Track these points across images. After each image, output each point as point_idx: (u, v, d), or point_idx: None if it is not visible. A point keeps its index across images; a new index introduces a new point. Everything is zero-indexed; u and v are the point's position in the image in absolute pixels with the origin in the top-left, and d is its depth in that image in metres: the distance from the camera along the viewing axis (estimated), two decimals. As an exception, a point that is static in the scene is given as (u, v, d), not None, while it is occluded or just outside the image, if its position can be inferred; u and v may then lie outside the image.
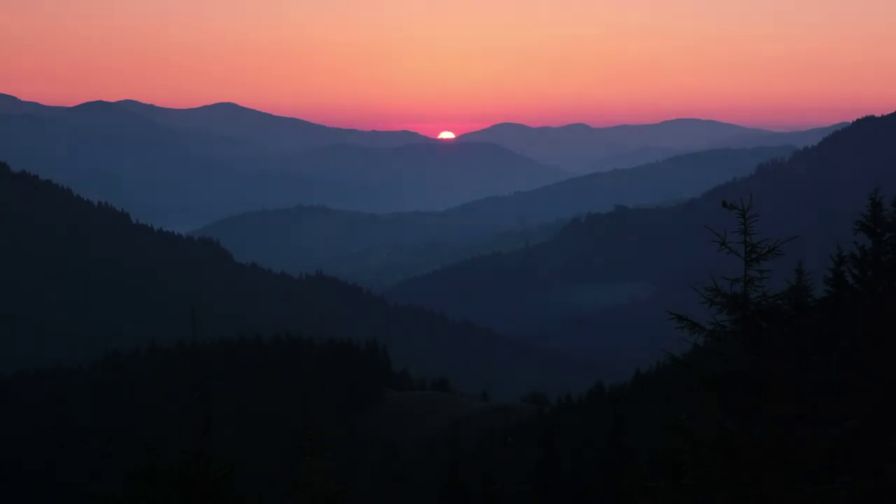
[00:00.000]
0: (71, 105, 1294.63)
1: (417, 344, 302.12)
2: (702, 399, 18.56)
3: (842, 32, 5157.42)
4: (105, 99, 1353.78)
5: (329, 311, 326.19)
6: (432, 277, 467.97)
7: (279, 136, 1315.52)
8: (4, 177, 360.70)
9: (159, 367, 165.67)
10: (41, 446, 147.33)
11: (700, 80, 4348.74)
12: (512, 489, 66.98)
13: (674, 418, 18.04)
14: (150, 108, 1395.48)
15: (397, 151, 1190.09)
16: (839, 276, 36.96)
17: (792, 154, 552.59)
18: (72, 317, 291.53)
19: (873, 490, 17.81)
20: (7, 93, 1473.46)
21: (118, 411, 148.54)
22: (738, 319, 18.63)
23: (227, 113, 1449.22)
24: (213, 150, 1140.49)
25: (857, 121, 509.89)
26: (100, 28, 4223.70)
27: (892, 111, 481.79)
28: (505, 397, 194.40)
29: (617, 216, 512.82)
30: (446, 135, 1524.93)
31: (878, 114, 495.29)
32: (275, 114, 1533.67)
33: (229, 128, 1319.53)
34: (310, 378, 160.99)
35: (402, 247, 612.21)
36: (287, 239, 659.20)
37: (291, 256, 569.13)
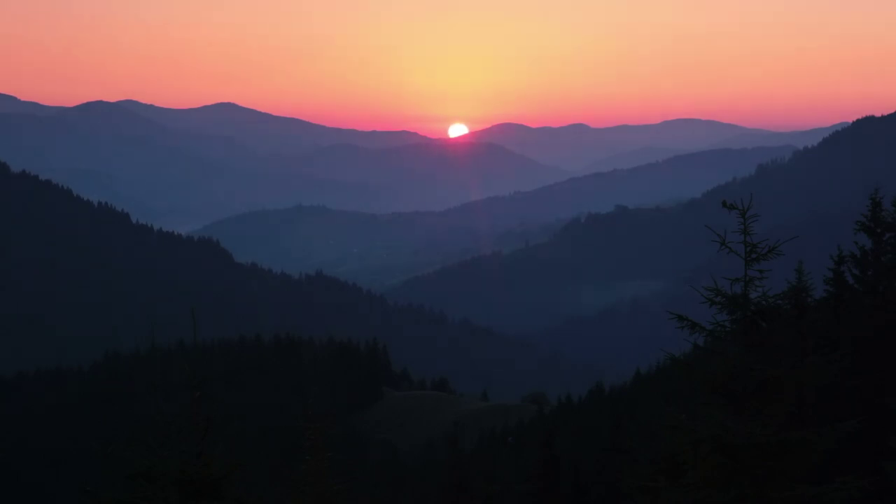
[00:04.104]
0: (71, 105, 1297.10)
1: (417, 344, 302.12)
2: (702, 399, 18.55)
3: (842, 32, 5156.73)
4: (105, 99, 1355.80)
5: (329, 311, 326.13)
6: (432, 277, 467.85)
7: (279, 136, 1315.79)
8: (4, 177, 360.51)
9: (159, 367, 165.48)
10: (41, 446, 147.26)
11: (700, 81, 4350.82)
12: (512, 489, 66.96)
13: (674, 418, 18.03)
14: (150, 108, 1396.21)
15: (397, 151, 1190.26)
16: (839, 276, 36.95)
17: (792, 154, 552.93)
18: (71, 317, 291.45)
19: (873, 490, 17.79)
20: (7, 93, 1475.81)
21: (118, 411, 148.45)
22: (738, 319, 18.61)
23: (227, 113, 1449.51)
24: (213, 150, 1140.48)
25: (857, 121, 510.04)
26: (100, 28, 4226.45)
27: (892, 111, 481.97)
28: (505, 397, 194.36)
29: (617, 216, 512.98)
30: (453, 132, 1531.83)
31: (878, 114, 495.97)
32: (275, 114, 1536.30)
33: (229, 128, 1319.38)
34: (310, 378, 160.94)
35: (402, 247, 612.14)
36: (287, 239, 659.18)
37: (291, 256, 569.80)
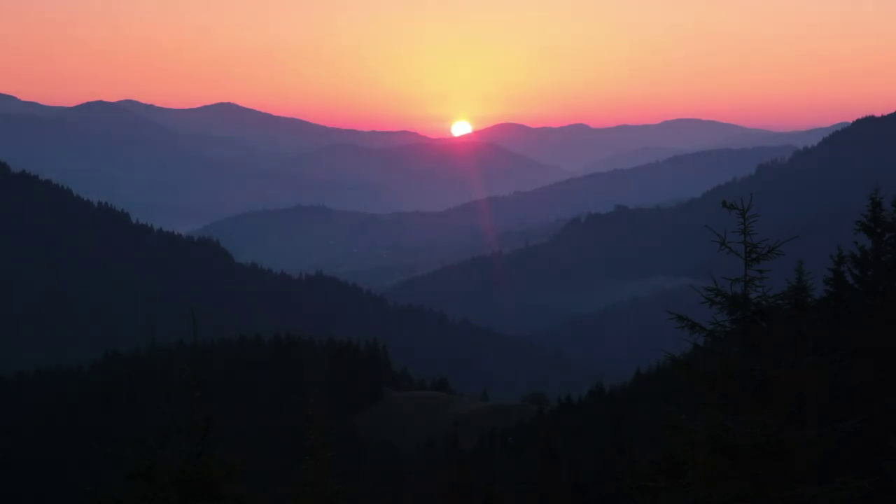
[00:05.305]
0: (71, 105, 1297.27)
1: (417, 344, 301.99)
2: (702, 399, 18.55)
3: (842, 32, 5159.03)
4: (105, 99, 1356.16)
5: (329, 311, 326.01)
6: (432, 277, 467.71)
7: (279, 136, 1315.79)
8: (4, 177, 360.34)
9: (159, 367, 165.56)
10: (41, 446, 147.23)
11: (700, 81, 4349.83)
12: (512, 489, 66.97)
13: (674, 418, 18.03)
14: (150, 108, 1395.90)
15: (397, 151, 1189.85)
16: (839, 276, 36.96)
17: (792, 154, 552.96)
18: (71, 316, 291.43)
19: (873, 490, 17.78)
20: (7, 93, 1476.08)
21: (118, 411, 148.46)
22: (738, 319, 18.61)
23: (227, 113, 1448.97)
24: (213, 150, 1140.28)
25: (857, 121, 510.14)
26: (100, 28, 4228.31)
27: (892, 111, 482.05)
28: (505, 397, 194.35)
29: (617, 216, 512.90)
30: (458, 130, 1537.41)
31: (878, 114, 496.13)
32: (275, 114, 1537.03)
33: (229, 128, 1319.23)
34: (310, 378, 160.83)
35: (402, 247, 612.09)
36: (287, 239, 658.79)
37: (291, 256, 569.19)
